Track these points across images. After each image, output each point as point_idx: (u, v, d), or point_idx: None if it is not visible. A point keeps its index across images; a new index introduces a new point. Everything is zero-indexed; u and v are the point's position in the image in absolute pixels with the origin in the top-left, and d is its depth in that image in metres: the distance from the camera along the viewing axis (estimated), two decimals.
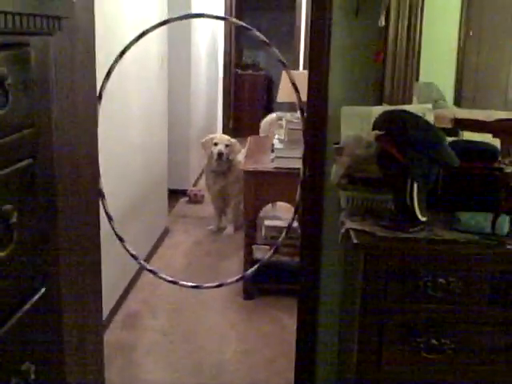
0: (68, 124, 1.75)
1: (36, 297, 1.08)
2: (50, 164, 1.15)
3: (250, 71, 11.05)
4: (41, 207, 1.09)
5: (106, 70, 2.80)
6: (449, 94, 2.38)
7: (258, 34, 2.57)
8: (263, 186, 3.87)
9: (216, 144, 5.20)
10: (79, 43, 1.94)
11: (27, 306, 1.04)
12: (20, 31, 0.94)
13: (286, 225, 4.07)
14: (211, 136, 5.41)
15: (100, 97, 2.73)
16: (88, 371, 2.43)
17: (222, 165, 5.21)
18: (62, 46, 1.60)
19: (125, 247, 2.90)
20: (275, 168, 3.83)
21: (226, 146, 5.18)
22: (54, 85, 1.19)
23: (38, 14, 0.97)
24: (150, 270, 3.01)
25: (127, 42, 2.85)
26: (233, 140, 5.33)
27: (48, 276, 1.14)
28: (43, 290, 1.10)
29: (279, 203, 4.65)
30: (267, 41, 2.55)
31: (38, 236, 1.08)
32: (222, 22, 8.76)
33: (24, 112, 1.00)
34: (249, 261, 3.91)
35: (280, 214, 4.81)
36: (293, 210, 3.23)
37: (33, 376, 1.04)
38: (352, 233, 1.88)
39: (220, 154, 5.13)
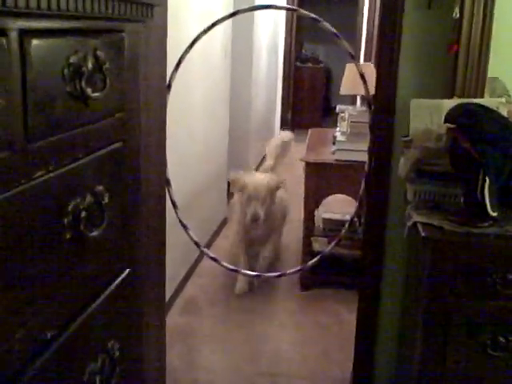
0: (143, 112, 1.79)
1: (122, 276, 1.12)
2: (137, 149, 1.19)
3: (309, 64, 11.03)
4: (128, 191, 1.13)
5: (172, 61, 2.85)
6: None
7: (327, 25, 2.57)
8: (324, 178, 3.87)
9: (250, 198, 3.78)
10: (154, 33, 1.98)
11: (114, 285, 1.09)
12: (117, 17, 0.98)
13: (343, 218, 4.09)
14: (240, 177, 3.93)
15: (169, 87, 2.77)
16: (151, 354, 2.49)
17: (258, 228, 3.91)
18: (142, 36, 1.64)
19: (188, 234, 2.95)
20: (336, 160, 3.82)
21: (264, 200, 3.77)
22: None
23: (135, 0, 1.01)
24: (213, 258, 3.05)
25: (193, 33, 2.89)
26: (272, 180, 3.92)
27: (132, 258, 1.19)
28: (127, 270, 1.15)
29: (335, 195, 4.63)
30: (337, 32, 2.54)
31: (125, 219, 1.12)
32: (283, 15, 8.77)
33: (117, 96, 1.04)
34: (307, 252, 3.92)
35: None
36: (353, 203, 3.23)
37: (117, 353, 1.08)
38: (419, 226, 1.87)
39: (255, 218, 3.79)
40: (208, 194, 4.65)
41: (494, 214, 1.83)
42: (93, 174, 0.97)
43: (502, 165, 1.78)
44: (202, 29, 2.84)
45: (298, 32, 10.13)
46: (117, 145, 1.06)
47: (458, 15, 2.11)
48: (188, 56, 3.07)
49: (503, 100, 2.09)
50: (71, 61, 0.86)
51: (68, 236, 0.90)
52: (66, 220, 0.89)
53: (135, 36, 1.12)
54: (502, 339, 1.81)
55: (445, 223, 1.85)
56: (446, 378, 1.88)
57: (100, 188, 0.98)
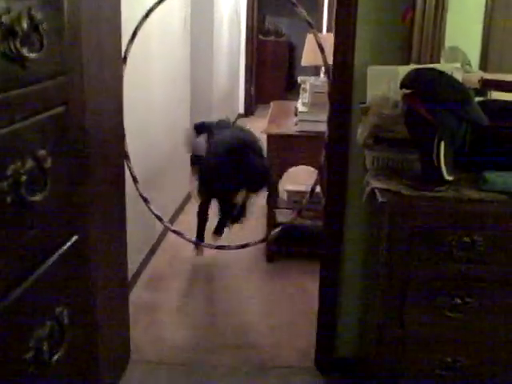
0: (95, 79, 1.76)
1: (68, 243, 1.10)
2: (82, 113, 1.16)
3: (272, 37, 10.96)
4: (73, 155, 1.10)
5: (128, 32, 2.79)
6: (474, 59, 2.34)
7: None
8: (286, 149, 3.86)
9: None
10: (105, 1, 1.94)
11: (60, 252, 1.07)
12: None
13: (307, 189, 4.10)
14: None
15: (125, 59, 2.73)
16: (114, 328, 2.48)
17: None
18: (89, 1, 1.60)
19: (149, 208, 2.94)
20: (299, 131, 3.82)
21: None
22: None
23: None
24: (175, 231, 3.04)
25: (151, 3, 2.84)
26: None
27: (80, 225, 1.17)
28: (75, 237, 1.13)
29: (299, 167, 4.63)
30: (294, 1, 2.52)
31: (71, 184, 1.10)
32: None
33: (57, 59, 1.01)
34: (272, 224, 3.93)
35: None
36: (314, 173, 3.23)
37: (66, 320, 1.07)
38: (377, 192, 1.88)
39: None
40: (171, 169, 4.62)
41: (450, 178, 1.85)
42: (33, 138, 0.94)
43: (456, 128, 1.79)
44: None
45: (260, 5, 10.04)
46: (59, 109, 1.04)
47: None
48: (146, 27, 3.02)
49: (458, 65, 2.10)
50: (3, 20, 0.83)
51: (8, 200, 0.88)
52: (5, 183, 0.87)
53: None
54: (458, 300, 1.84)
55: (402, 188, 1.87)
56: (406, 340, 1.91)
57: (42, 152, 0.95)
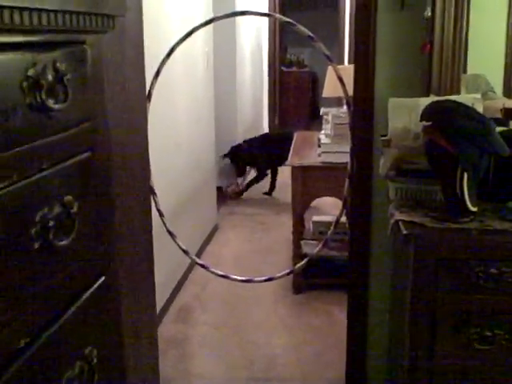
0: (120, 122, 1.80)
1: (96, 284, 1.13)
2: (107, 158, 1.20)
3: (294, 68, 11.07)
4: (99, 199, 1.14)
5: (153, 70, 2.86)
6: (498, 86, 2.35)
7: (302, 28, 2.58)
8: (310, 181, 3.88)
9: None
10: (128, 43, 2.00)
11: (88, 293, 1.10)
12: (78, 29, 0.99)
13: (333, 220, 4.10)
14: None
15: (149, 96, 2.78)
16: (143, 364, 2.49)
17: None
18: (113, 46, 1.65)
19: (176, 242, 2.96)
20: (322, 163, 3.84)
21: None
22: (106, 82, 1.24)
23: (94, 12, 1.02)
24: (202, 265, 3.06)
25: (174, 42, 2.90)
26: None
27: (107, 265, 1.19)
28: (103, 278, 1.15)
29: (327, 198, 4.64)
30: (312, 35, 2.56)
31: (97, 227, 1.13)
32: (265, 20, 8.80)
33: (81, 107, 1.05)
34: (298, 256, 3.93)
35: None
36: (341, 204, 3.23)
37: (95, 360, 1.09)
38: (401, 224, 1.87)
39: None
40: (197, 202, 4.66)
41: (474, 209, 1.85)
42: (60, 184, 0.98)
43: (478, 160, 1.80)
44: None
45: (282, 37, 10.17)
46: (85, 155, 1.07)
47: (429, 14, 2.13)
48: (169, 65, 3.08)
49: (478, 95, 2.10)
50: (29, 74, 0.87)
51: (36, 246, 0.91)
52: (33, 230, 0.90)
53: (98, 47, 1.13)
54: (488, 333, 1.82)
55: (426, 220, 1.86)
56: (435, 373, 1.89)
57: (69, 198, 0.98)
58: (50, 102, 0.90)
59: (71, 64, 0.99)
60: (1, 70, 0.83)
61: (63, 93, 0.94)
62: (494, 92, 2.31)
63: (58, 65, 0.93)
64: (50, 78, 0.91)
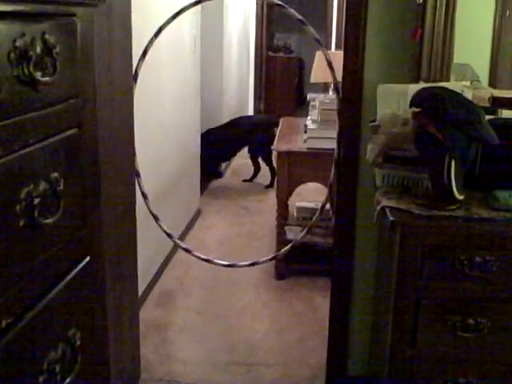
0: (106, 101, 1.77)
1: (81, 264, 1.10)
2: (95, 135, 1.17)
3: (281, 53, 11.01)
4: (85, 178, 1.11)
5: (140, 51, 2.82)
6: (483, 76, 2.34)
7: (292, 11, 2.56)
8: (296, 166, 3.86)
9: None
10: (116, 21, 1.96)
11: (73, 273, 1.08)
12: (68, 1, 0.96)
13: (318, 206, 4.09)
14: None
15: (136, 76, 2.74)
16: (124, 347, 2.48)
17: None
18: (100, 23, 1.62)
19: (159, 225, 2.94)
20: (308, 148, 3.82)
21: None
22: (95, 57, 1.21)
23: None
24: (185, 249, 3.04)
25: (162, 22, 2.86)
26: None
27: (92, 246, 1.17)
28: (88, 258, 1.13)
29: (310, 184, 4.64)
30: (302, 18, 2.53)
31: (83, 205, 1.10)
32: (253, 4, 8.74)
33: (70, 82, 1.02)
34: (281, 241, 3.92)
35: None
36: (326, 191, 3.23)
37: (78, 342, 1.07)
38: (388, 211, 1.87)
39: None
40: (181, 186, 4.63)
41: (461, 197, 1.85)
42: (46, 161, 0.95)
43: (466, 148, 1.79)
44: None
45: (269, 21, 10.10)
46: (72, 131, 1.04)
47: (420, 0, 2.12)
48: (156, 47, 3.04)
49: (468, 83, 2.10)
50: (17, 44, 0.84)
51: (21, 223, 0.88)
52: (18, 207, 0.87)
53: (88, 21, 1.10)
54: (471, 320, 1.83)
55: (412, 207, 1.86)
56: (417, 360, 1.90)
57: (55, 175, 0.96)
58: (38, 75, 0.88)
59: (60, 37, 0.96)
60: None
61: (52, 66, 0.91)
62: (480, 82, 2.30)
63: (46, 36, 0.90)
64: (38, 49, 0.89)
